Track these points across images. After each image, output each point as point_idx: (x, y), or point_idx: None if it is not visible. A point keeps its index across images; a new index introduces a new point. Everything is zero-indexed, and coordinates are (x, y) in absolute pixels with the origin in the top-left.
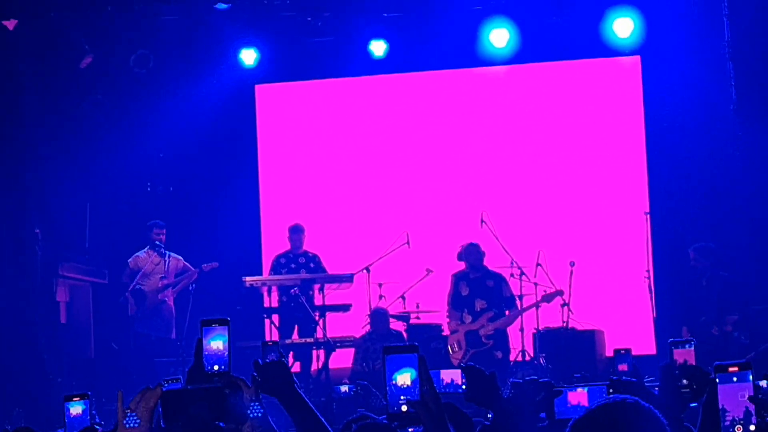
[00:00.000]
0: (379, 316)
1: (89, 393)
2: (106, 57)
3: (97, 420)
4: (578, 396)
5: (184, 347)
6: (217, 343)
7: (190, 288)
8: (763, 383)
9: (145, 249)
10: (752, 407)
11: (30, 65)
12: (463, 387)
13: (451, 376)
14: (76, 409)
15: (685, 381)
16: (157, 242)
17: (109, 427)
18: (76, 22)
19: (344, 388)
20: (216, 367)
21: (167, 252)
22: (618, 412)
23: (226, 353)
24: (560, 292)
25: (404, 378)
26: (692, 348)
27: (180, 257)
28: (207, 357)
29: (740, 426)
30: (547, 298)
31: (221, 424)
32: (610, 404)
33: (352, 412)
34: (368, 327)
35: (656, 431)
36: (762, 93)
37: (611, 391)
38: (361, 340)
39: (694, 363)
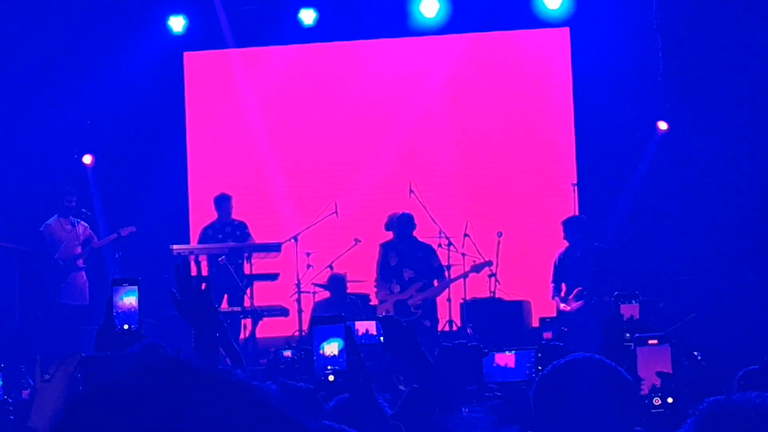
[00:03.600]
0: (337, 282)
1: (2, 365)
2: (34, 23)
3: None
4: (506, 358)
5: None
6: (129, 299)
7: (117, 256)
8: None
9: (54, 217)
10: (669, 374)
11: None
12: (381, 339)
13: (366, 326)
14: None
15: (628, 335)
16: (70, 207)
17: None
18: None
19: (287, 353)
20: (126, 326)
21: (75, 219)
22: (585, 366)
23: (135, 310)
24: (489, 263)
25: (331, 348)
26: (637, 303)
27: (86, 224)
28: (118, 315)
29: (658, 398)
30: (476, 268)
31: None
32: (578, 360)
33: (295, 377)
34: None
35: (619, 386)
36: (689, 64)
37: (539, 355)
38: (317, 307)
39: (638, 318)
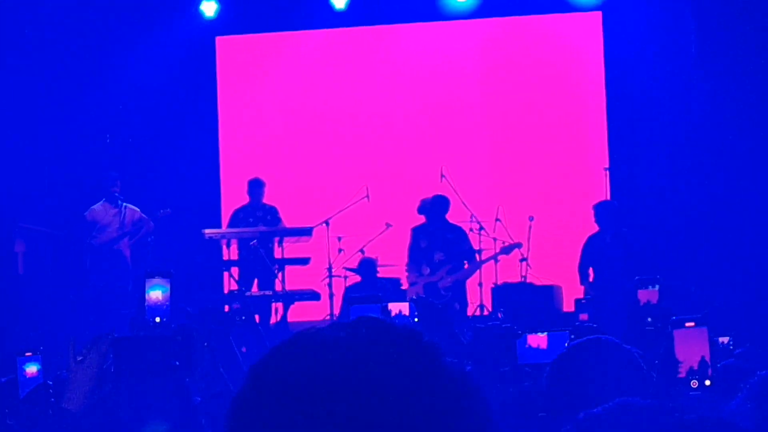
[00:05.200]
0: (368, 266)
1: (42, 347)
2: (69, 10)
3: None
4: (538, 340)
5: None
6: (156, 293)
7: (149, 239)
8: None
9: (101, 202)
10: (707, 356)
11: None
12: (415, 319)
13: (399, 307)
14: (31, 368)
15: (649, 319)
16: (115, 193)
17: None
18: None
19: None
20: (157, 319)
21: (123, 203)
22: (594, 347)
23: (167, 304)
24: (519, 245)
25: None
26: (656, 288)
27: (137, 208)
28: (148, 308)
29: (696, 380)
30: (506, 250)
31: (176, 362)
32: (585, 342)
33: None
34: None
35: (628, 364)
36: (722, 47)
37: (573, 336)
38: (349, 291)
39: (657, 302)
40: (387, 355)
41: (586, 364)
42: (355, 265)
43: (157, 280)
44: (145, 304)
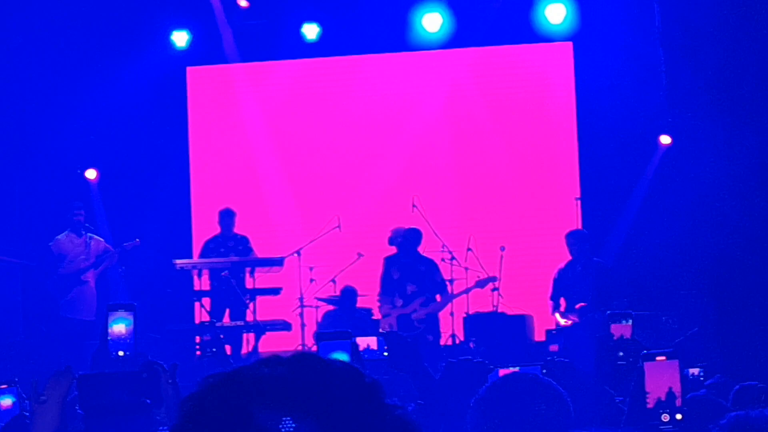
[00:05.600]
0: (348, 295)
1: (16, 379)
2: (38, 36)
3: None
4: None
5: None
6: (119, 327)
7: (120, 269)
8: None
9: (65, 232)
10: (677, 390)
11: None
12: (385, 353)
13: (366, 342)
14: (5, 401)
15: (621, 353)
16: (79, 221)
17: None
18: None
19: None
20: (120, 353)
21: (88, 233)
22: (519, 384)
23: (130, 338)
24: (494, 278)
25: None
26: (629, 323)
27: (101, 239)
28: (111, 342)
29: (666, 414)
30: (480, 283)
31: (147, 401)
32: (510, 378)
33: None
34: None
35: (555, 403)
36: (692, 79)
37: (544, 371)
38: (326, 317)
39: (630, 337)
40: (325, 393)
41: (509, 402)
42: (328, 294)
43: (120, 314)
44: (108, 337)
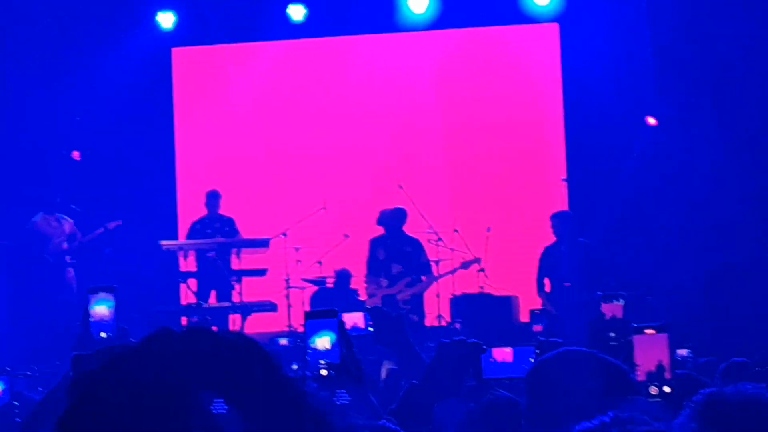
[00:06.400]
0: (343, 277)
1: (8, 368)
2: (21, 21)
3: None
4: (503, 354)
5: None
6: (101, 309)
7: (106, 251)
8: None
9: (40, 214)
10: (666, 364)
11: None
12: (369, 329)
13: (353, 319)
14: None
15: (612, 334)
16: (53, 204)
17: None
18: None
19: (283, 341)
20: (103, 335)
21: (61, 215)
22: (565, 360)
23: (112, 319)
24: (478, 260)
25: (323, 341)
26: (621, 303)
27: (71, 220)
28: (93, 324)
29: (655, 386)
30: (465, 264)
31: None
32: (568, 352)
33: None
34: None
35: (611, 374)
36: (678, 59)
37: (538, 352)
38: (316, 298)
39: (621, 317)
40: (219, 364)
41: (566, 375)
42: (312, 276)
43: (101, 295)
44: (90, 319)
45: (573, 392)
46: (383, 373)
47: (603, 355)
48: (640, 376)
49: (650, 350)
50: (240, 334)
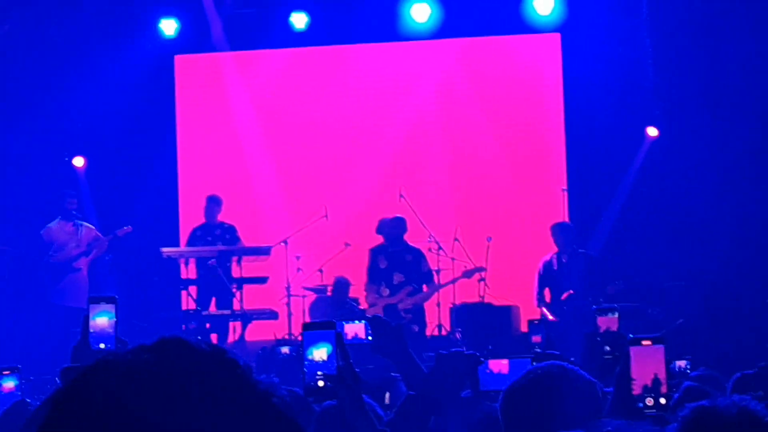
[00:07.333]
0: (341, 286)
1: (19, 366)
2: (25, 26)
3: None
4: (500, 365)
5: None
6: (102, 320)
7: (107, 258)
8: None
9: (57, 220)
10: (662, 376)
11: None
12: (369, 338)
13: (354, 330)
14: (8, 383)
15: (607, 348)
16: (72, 211)
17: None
18: None
19: (285, 349)
20: (102, 345)
21: (79, 221)
22: (548, 378)
23: (112, 331)
24: (480, 269)
25: (320, 353)
26: (615, 316)
27: (93, 226)
28: (92, 335)
29: (651, 398)
30: (467, 273)
31: None
32: (539, 371)
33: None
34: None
35: (585, 391)
36: (679, 70)
37: (535, 363)
38: (315, 304)
39: (616, 330)
40: (192, 377)
41: (539, 393)
42: (313, 284)
43: (102, 306)
44: (90, 330)
45: (544, 418)
46: (386, 399)
47: (579, 372)
48: (636, 389)
49: (647, 362)
50: (214, 345)
